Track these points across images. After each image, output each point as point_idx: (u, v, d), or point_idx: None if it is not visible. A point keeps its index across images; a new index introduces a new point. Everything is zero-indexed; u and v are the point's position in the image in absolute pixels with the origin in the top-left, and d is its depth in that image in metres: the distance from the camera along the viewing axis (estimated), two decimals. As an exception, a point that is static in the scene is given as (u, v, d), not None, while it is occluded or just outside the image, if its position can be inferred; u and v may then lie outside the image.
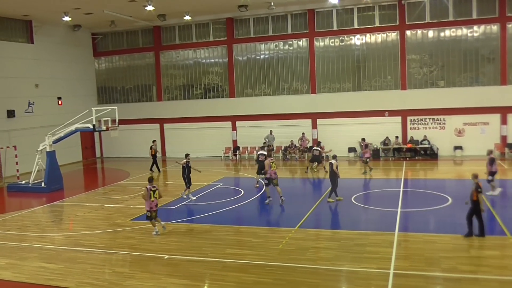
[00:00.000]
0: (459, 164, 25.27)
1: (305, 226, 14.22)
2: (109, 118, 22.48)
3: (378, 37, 28.31)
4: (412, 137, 27.66)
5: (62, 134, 22.09)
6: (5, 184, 23.78)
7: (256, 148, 27.77)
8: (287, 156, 29.02)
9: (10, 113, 26.76)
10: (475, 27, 26.64)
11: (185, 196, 18.74)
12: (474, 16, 26.43)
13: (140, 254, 12.24)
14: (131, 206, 17.58)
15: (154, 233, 13.87)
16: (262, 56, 30.64)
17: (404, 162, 26.12)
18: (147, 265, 11.41)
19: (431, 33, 27.38)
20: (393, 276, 10.04)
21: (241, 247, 12.62)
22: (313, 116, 29.46)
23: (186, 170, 18.70)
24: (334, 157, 17.57)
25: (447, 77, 27.44)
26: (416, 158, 26.96)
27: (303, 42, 29.61)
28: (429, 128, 27.66)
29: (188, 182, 18.71)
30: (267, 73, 30.53)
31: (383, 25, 27.97)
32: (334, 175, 16.96)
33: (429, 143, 27.05)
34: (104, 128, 22.13)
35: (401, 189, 18.91)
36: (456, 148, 27.15)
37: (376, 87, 28.55)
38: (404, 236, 12.83)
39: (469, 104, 26.52)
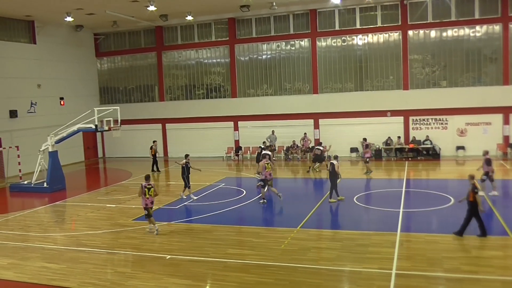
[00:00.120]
0: (461, 164, 25.22)
1: (307, 226, 14.21)
2: (111, 118, 22.53)
3: (380, 37, 28.28)
4: (414, 137, 27.62)
5: (64, 134, 22.12)
6: (7, 184, 23.85)
7: (258, 149, 27.72)
8: (289, 157, 29.01)
9: (13, 114, 26.83)
10: (478, 27, 26.59)
11: (185, 197, 18.74)
12: (477, 16, 26.38)
13: (142, 254, 12.26)
14: (133, 206, 17.60)
15: (148, 229, 14.03)
16: (264, 56, 30.63)
17: (406, 162, 26.07)
18: (149, 265, 11.42)
19: (433, 33, 27.34)
20: (395, 277, 10.02)
21: (242, 247, 12.62)
22: (315, 116, 29.44)
23: (186, 171, 18.72)
24: (336, 157, 17.57)
25: (449, 77, 27.39)
26: (418, 158, 26.91)
27: (305, 42, 29.60)
28: (431, 128, 27.62)
29: (187, 182, 18.75)
30: (269, 73, 30.53)
31: (385, 25, 27.93)
32: (334, 176, 16.95)
33: (431, 143, 27.01)
34: (106, 128, 22.19)
35: (403, 189, 18.89)
36: (459, 148, 27.10)
37: (378, 87, 28.52)
38: (406, 236, 12.80)
39: (472, 104, 26.46)
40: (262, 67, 30.65)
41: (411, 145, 27.21)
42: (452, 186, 19.88)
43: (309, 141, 28.68)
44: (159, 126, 32.93)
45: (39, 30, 29.03)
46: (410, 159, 26.85)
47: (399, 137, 27.71)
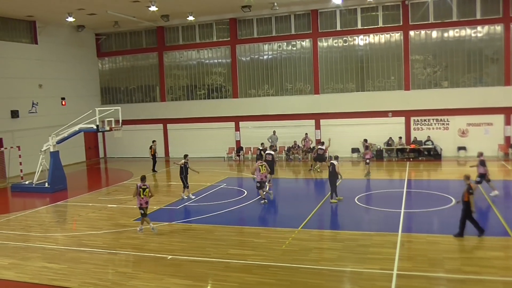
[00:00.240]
0: (463, 165, 25.13)
1: (308, 226, 14.20)
2: (112, 119, 22.55)
3: (382, 38, 28.26)
4: (415, 137, 27.60)
5: (65, 135, 22.15)
6: (9, 184, 23.87)
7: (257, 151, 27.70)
8: (290, 157, 29.00)
9: (14, 114, 26.85)
10: (479, 28, 26.56)
11: (185, 197, 18.76)
12: (478, 17, 26.35)
13: (143, 254, 12.26)
14: (134, 207, 17.48)
15: (138, 229, 14.10)
16: (265, 57, 30.63)
17: (408, 162, 26.05)
18: (150, 265, 11.41)
19: (434, 34, 27.32)
20: (396, 277, 10.01)
21: (244, 247, 12.61)
22: (317, 117, 29.43)
23: (184, 171, 18.74)
24: (336, 157, 17.55)
25: (450, 78, 27.36)
26: (420, 158, 26.89)
27: (306, 43, 29.59)
28: (433, 128, 27.59)
29: (185, 182, 18.75)
30: (271, 74, 30.53)
31: (386, 25, 27.91)
32: (334, 176, 16.93)
33: (432, 144, 26.98)
34: (107, 128, 22.21)
35: (405, 190, 18.87)
36: (460, 148, 27.07)
37: (379, 88, 28.50)
38: (407, 237, 12.79)
39: (473, 105, 26.43)
40: (263, 68, 30.65)
41: (413, 146, 27.19)
42: (454, 186, 19.79)
43: (310, 142, 28.66)
44: (160, 126, 32.95)
45: (41, 31, 29.07)
46: (411, 159, 26.82)
47: (400, 138, 27.69)
